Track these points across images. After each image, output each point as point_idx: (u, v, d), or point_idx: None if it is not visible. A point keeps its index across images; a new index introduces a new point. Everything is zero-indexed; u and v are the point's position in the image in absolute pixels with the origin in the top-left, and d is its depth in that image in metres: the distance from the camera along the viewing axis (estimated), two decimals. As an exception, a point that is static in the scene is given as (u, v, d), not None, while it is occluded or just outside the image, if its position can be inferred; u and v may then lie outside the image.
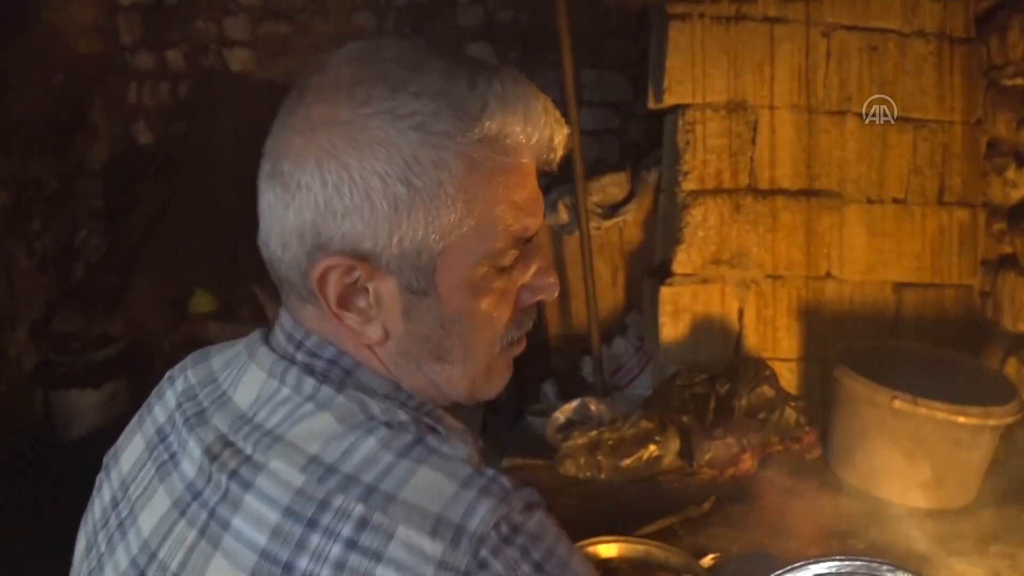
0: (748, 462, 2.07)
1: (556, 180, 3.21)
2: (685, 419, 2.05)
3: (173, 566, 0.64)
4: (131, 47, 4.21)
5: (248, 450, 0.64)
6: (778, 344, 2.30)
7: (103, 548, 0.71)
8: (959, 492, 1.88)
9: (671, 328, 2.28)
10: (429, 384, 0.72)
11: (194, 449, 0.68)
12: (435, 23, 4.23)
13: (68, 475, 3.12)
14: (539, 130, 0.68)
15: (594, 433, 2.12)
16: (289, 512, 0.60)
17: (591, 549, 1.64)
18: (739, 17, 2.19)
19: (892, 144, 2.22)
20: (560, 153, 0.71)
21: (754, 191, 2.24)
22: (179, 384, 0.76)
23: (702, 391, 2.06)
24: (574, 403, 2.22)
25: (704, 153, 2.23)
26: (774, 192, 2.24)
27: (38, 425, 3.40)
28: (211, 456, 0.66)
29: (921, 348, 2.08)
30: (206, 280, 3.88)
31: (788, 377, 2.26)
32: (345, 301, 0.67)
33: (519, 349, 0.76)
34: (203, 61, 4.22)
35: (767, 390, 2.04)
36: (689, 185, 2.23)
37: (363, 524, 0.58)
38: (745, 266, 2.26)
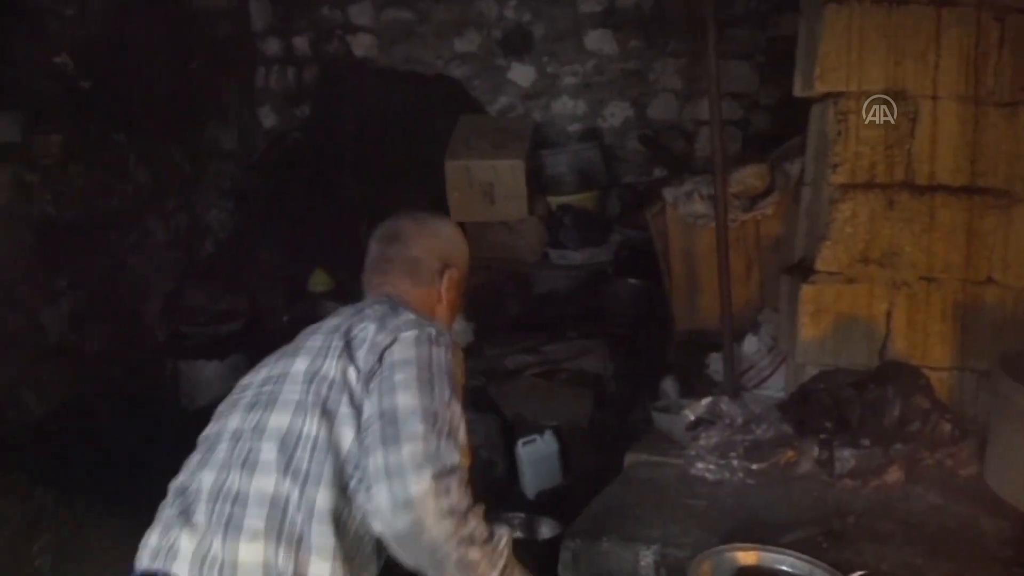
0: (895, 475, 1.94)
1: (694, 170, 3.12)
2: (828, 425, 1.94)
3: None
4: (261, 33, 4.34)
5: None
6: (929, 351, 2.15)
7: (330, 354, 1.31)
8: None
9: (811, 328, 2.17)
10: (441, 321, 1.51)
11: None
12: (555, 10, 4.18)
13: (193, 441, 3.27)
14: None
15: (727, 434, 2.04)
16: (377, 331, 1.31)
17: (728, 555, 1.58)
18: (902, 0, 2.05)
19: (1071, 140, 2.03)
20: None
21: (910, 187, 2.10)
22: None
23: (848, 396, 1.95)
24: (705, 401, 2.14)
25: (857, 145, 2.10)
26: (933, 188, 2.09)
27: (167, 393, 3.56)
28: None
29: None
30: (324, 260, 3.97)
31: (938, 387, 2.11)
32: (448, 288, 1.54)
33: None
34: (328, 47, 4.31)
35: (922, 400, 1.91)
36: (839, 178, 2.11)
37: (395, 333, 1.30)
38: (896, 266, 2.13)
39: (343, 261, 3.99)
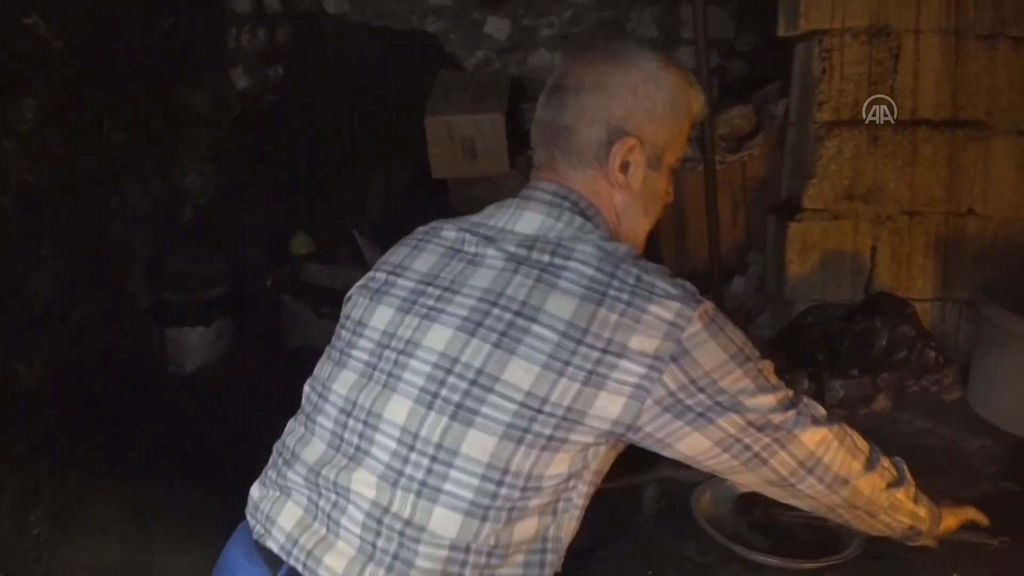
0: (882, 402, 2.00)
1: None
2: (819, 357, 1.99)
3: (513, 307, 0.95)
4: (229, -9, 4.23)
5: (547, 257, 0.97)
6: (912, 283, 2.21)
7: (424, 312, 1.00)
8: (1119, 436, 1.79)
9: (799, 265, 2.21)
10: (634, 228, 1.10)
11: (496, 255, 1.00)
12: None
13: (184, 407, 3.27)
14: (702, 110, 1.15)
15: (720, 371, 2.08)
16: (593, 280, 0.94)
17: (728, 484, 1.62)
18: (883, -66, 2.07)
19: (1049, 70, 2.07)
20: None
21: (894, 122, 2.13)
22: (448, 228, 1.07)
23: (837, 329, 2.00)
24: (697, 341, 2.18)
25: (841, 82, 2.12)
26: (915, 123, 2.13)
27: (155, 360, 3.54)
28: (517, 260, 0.98)
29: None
30: (305, 221, 3.94)
31: (922, 318, 2.16)
32: (624, 167, 1.07)
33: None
34: (299, 4, 4.22)
35: (907, 329, 1.96)
36: (824, 116, 2.14)
37: (638, 279, 0.94)
38: (880, 201, 2.17)
39: (324, 221, 3.98)
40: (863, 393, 2.02)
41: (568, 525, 0.99)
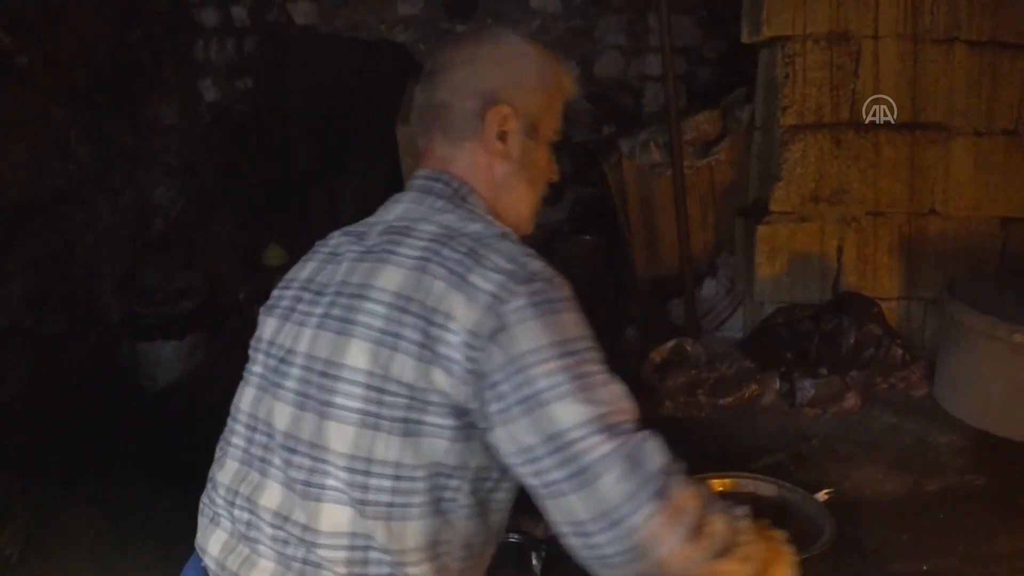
0: (852, 400, 2.04)
1: (648, 119, 3.16)
2: (789, 357, 2.02)
3: (349, 291, 0.96)
4: (197, 3, 4.20)
5: (388, 237, 0.98)
6: (878, 282, 2.25)
7: (300, 319, 1.01)
8: (1079, 427, 1.84)
9: (767, 267, 2.25)
10: (515, 202, 1.09)
11: (356, 249, 1.01)
12: (497, -31, 4.15)
13: (157, 421, 3.23)
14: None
15: (693, 373, 2.11)
16: (424, 250, 0.94)
17: (704, 483, 1.65)
18: (842, -57, 2.11)
19: (1003, 73, 2.13)
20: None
21: (856, 125, 2.18)
22: (336, 234, 1.09)
23: (806, 329, 2.04)
24: (669, 344, 2.21)
25: (804, 87, 2.17)
26: (877, 125, 2.17)
27: (126, 375, 3.50)
28: (368, 250, 0.99)
29: (1034, 283, 2.02)
30: (279, 231, 3.92)
31: (888, 316, 2.21)
32: (502, 135, 1.06)
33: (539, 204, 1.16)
34: (268, 16, 4.20)
35: (874, 328, 2.01)
36: (788, 120, 2.18)
37: (471, 251, 0.92)
38: (845, 203, 2.21)
39: (297, 232, 3.96)
40: (833, 391, 2.05)
41: (462, 526, 0.93)
